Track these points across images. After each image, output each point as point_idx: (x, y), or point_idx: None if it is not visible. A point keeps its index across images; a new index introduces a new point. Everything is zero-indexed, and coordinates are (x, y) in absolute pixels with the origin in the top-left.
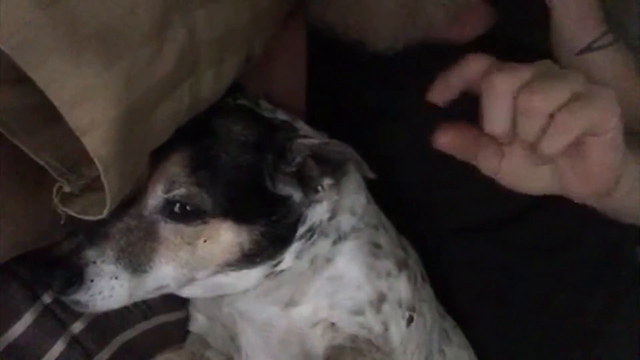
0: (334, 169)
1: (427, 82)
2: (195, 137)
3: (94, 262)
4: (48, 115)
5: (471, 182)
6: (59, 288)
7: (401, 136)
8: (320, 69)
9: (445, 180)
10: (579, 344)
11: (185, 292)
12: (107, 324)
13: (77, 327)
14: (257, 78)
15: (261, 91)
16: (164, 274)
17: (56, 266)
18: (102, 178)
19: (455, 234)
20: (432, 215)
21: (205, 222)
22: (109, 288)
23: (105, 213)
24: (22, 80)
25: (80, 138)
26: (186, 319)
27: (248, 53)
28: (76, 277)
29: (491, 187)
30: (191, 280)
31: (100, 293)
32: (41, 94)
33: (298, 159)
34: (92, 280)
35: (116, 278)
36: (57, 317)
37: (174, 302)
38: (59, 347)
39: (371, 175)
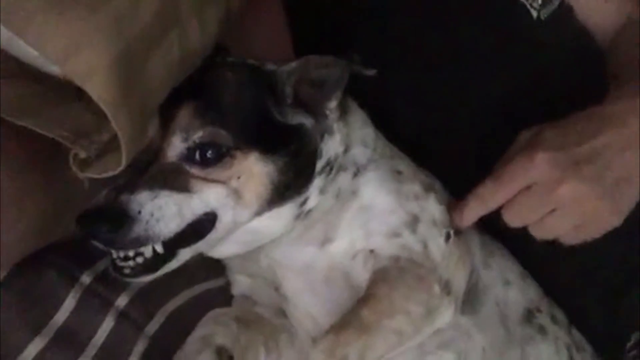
0: (334, 88)
1: (415, 24)
2: (194, 91)
3: (130, 199)
4: (49, 99)
5: (469, 99)
6: (111, 230)
7: (394, 73)
8: (305, 29)
9: (443, 104)
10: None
11: (223, 251)
12: (152, 294)
13: (122, 301)
14: (241, 43)
15: (248, 55)
16: (208, 197)
17: (100, 214)
18: (112, 122)
19: (465, 147)
20: (440, 135)
21: (232, 157)
22: (157, 208)
23: (124, 161)
24: (16, 76)
25: (82, 86)
26: (228, 286)
27: (227, 6)
28: (122, 215)
29: (488, 97)
30: (236, 218)
31: (152, 216)
32: (38, 84)
33: (288, 88)
34: (139, 212)
35: (156, 197)
36: (100, 295)
37: (214, 270)
38: (108, 324)
39: (370, 72)
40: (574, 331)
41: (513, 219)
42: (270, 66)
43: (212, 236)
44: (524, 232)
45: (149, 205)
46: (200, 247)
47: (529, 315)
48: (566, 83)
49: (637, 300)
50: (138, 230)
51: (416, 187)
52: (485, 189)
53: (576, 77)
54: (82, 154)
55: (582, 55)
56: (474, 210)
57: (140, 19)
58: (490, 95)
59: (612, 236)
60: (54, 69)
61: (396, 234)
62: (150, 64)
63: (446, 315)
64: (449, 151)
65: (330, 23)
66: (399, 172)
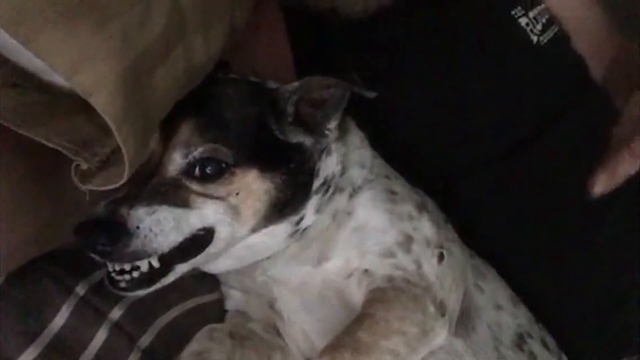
0: (334, 109)
1: (409, 39)
2: (196, 106)
3: (129, 214)
4: (52, 109)
5: (467, 120)
6: (109, 243)
7: (396, 94)
8: (305, 45)
9: (443, 123)
10: (609, 266)
11: (218, 266)
12: (146, 307)
13: (116, 313)
14: (243, 59)
15: (249, 70)
16: (206, 213)
17: (98, 226)
18: (116, 136)
19: (467, 171)
20: (441, 157)
21: (232, 173)
22: (155, 223)
23: (126, 174)
24: (19, 85)
25: (88, 100)
26: (222, 300)
27: (231, 23)
28: (121, 229)
29: (489, 120)
30: (234, 234)
31: (151, 231)
32: (41, 95)
33: (289, 107)
34: (138, 227)
35: (154, 212)
36: (94, 307)
37: (208, 285)
38: (101, 335)
39: (370, 94)
40: (564, 357)
41: None
42: (271, 84)
43: (209, 251)
44: (514, 255)
45: (148, 220)
46: (196, 262)
47: (519, 341)
48: (563, 106)
49: (625, 326)
50: (136, 244)
51: (410, 207)
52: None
53: (572, 101)
54: (84, 166)
55: (578, 80)
56: (628, 165)
57: (147, 34)
58: (489, 116)
59: (602, 261)
60: (59, 80)
61: (390, 254)
62: (155, 79)
63: (441, 335)
64: (445, 170)
65: (329, 40)
66: (394, 192)
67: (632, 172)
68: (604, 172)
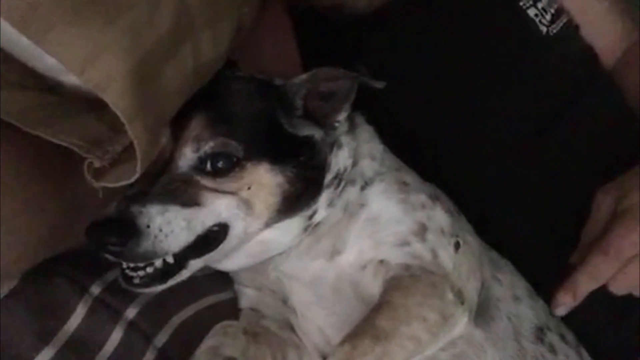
0: (342, 101)
1: (416, 33)
2: (205, 103)
3: (141, 212)
4: (63, 110)
5: (478, 113)
6: (119, 243)
7: (405, 88)
8: (311, 43)
9: (453, 117)
10: None
11: (232, 264)
12: (160, 306)
13: (131, 312)
14: (250, 58)
15: (256, 69)
16: (219, 209)
17: (109, 226)
18: (128, 130)
19: (478, 163)
20: (453, 151)
21: (243, 167)
22: (165, 223)
23: (139, 170)
24: (31, 88)
25: (100, 94)
26: (235, 299)
27: (238, 20)
28: (131, 228)
29: (500, 112)
30: (247, 229)
31: (161, 231)
32: (52, 96)
33: (298, 100)
34: (148, 226)
35: (166, 211)
36: (109, 306)
37: (221, 283)
38: (117, 334)
39: (379, 84)
40: (583, 351)
41: (621, 288)
42: (279, 81)
43: (223, 247)
44: (529, 249)
45: (158, 219)
46: (211, 257)
47: (539, 333)
48: (574, 95)
49: None
50: (146, 245)
51: (422, 197)
52: (594, 266)
53: (583, 90)
54: (97, 163)
55: (588, 70)
56: (587, 286)
57: (156, 30)
58: (500, 108)
59: None
60: (69, 79)
61: (405, 243)
62: (165, 75)
63: (461, 323)
64: (457, 163)
65: (335, 37)
66: (405, 183)
67: (592, 289)
68: (566, 294)
